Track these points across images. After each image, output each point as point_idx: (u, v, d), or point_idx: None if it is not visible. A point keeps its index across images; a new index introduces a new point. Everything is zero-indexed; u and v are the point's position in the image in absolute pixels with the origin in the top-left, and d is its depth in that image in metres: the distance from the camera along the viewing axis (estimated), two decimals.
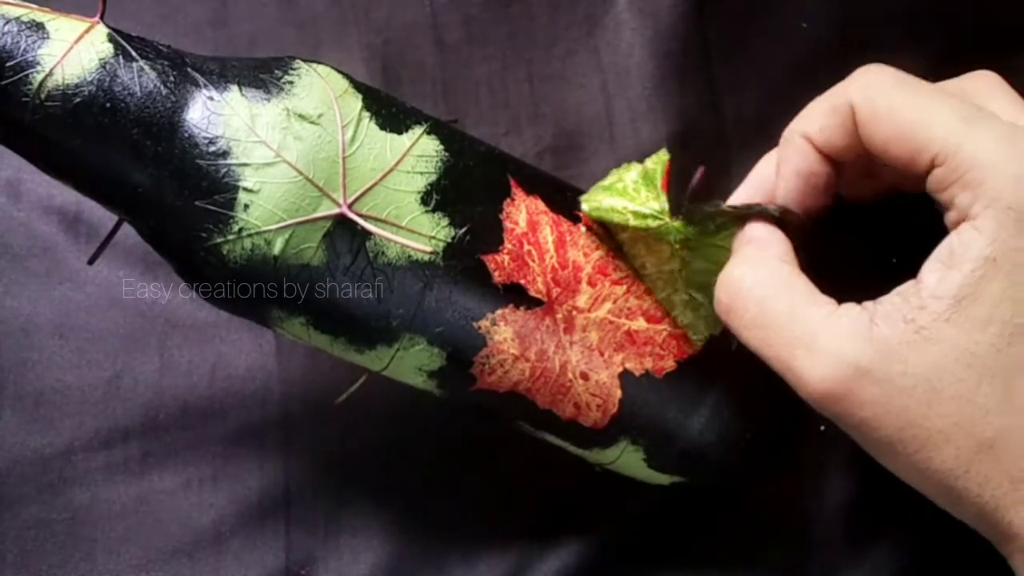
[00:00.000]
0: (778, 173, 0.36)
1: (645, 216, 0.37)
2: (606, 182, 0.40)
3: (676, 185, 0.40)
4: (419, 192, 0.35)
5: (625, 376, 0.38)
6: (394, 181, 0.35)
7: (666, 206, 0.37)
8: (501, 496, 0.46)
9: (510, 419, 0.40)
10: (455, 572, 0.46)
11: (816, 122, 0.35)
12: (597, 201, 0.38)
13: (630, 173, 0.39)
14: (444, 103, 0.50)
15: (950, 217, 0.31)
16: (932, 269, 0.30)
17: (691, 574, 0.46)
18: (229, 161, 0.33)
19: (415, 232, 0.35)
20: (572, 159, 0.50)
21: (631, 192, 0.38)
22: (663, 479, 0.41)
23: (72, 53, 0.32)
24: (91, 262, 0.38)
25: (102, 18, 0.34)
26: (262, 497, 0.46)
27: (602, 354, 0.37)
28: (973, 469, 0.29)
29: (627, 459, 0.40)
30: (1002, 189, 0.29)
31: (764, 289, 0.33)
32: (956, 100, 0.32)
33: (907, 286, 0.31)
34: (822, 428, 0.47)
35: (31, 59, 0.32)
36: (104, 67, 0.32)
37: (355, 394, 0.41)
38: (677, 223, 0.37)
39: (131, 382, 0.46)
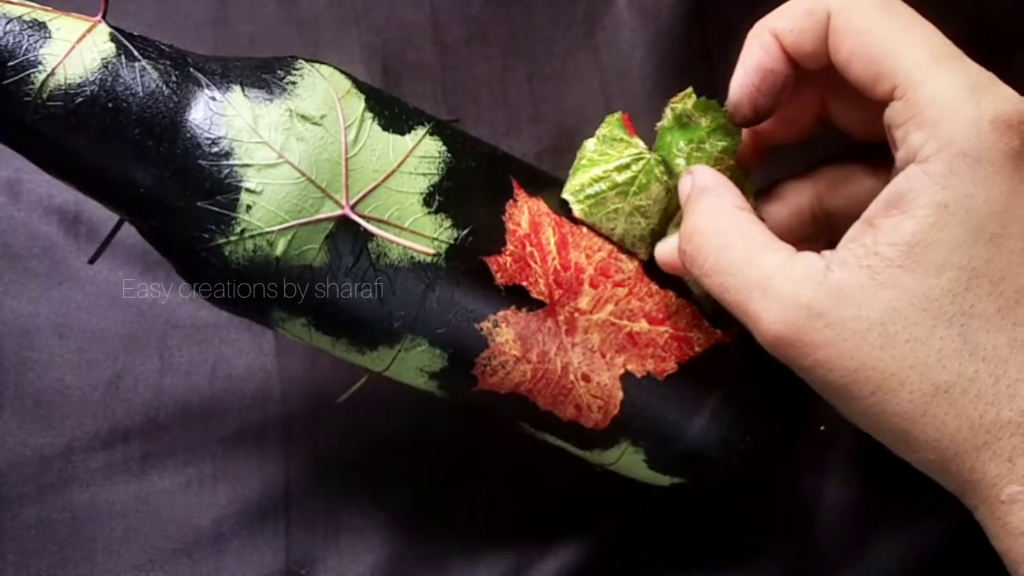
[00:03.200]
0: (739, 63, 0.36)
1: (627, 165, 0.38)
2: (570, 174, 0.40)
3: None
4: (421, 193, 0.35)
5: (627, 378, 0.38)
6: (396, 182, 0.35)
7: (643, 145, 0.38)
8: (501, 496, 0.46)
9: (511, 420, 0.40)
10: (455, 572, 0.46)
11: (790, 22, 0.34)
12: (577, 188, 0.38)
13: (587, 149, 0.39)
14: (444, 103, 0.50)
15: (899, 155, 0.31)
16: (882, 213, 0.30)
17: (691, 574, 0.46)
18: (231, 162, 0.33)
19: (417, 234, 0.35)
20: (572, 159, 0.50)
21: (599, 159, 0.38)
22: (664, 480, 0.41)
23: (74, 52, 0.32)
24: (92, 261, 0.38)
25: (104, 17, 0.33)
26: (262, 497, 0.46)
27: (604, 356, 0.37)
28: (929, 413, 0.29)
29: (628, 460, 0.40)
30: (957, 133, 0.29)
31: (722, 237, 0.33)
32: (934, 34, 0.31)
33: (858, 230, 0.31)
34: (822, 428, 0.47)
35: (33, 59, 0.31)
36: (106, 67, 0.32)
37: (355, 394, 0.41)
38: (658, 154, 0.37)
39: (131, 382, 0.46)
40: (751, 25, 0.50)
